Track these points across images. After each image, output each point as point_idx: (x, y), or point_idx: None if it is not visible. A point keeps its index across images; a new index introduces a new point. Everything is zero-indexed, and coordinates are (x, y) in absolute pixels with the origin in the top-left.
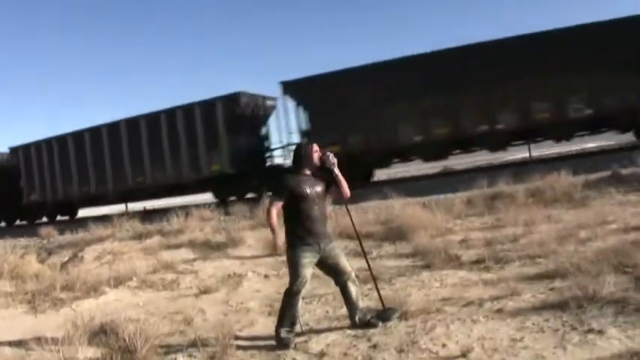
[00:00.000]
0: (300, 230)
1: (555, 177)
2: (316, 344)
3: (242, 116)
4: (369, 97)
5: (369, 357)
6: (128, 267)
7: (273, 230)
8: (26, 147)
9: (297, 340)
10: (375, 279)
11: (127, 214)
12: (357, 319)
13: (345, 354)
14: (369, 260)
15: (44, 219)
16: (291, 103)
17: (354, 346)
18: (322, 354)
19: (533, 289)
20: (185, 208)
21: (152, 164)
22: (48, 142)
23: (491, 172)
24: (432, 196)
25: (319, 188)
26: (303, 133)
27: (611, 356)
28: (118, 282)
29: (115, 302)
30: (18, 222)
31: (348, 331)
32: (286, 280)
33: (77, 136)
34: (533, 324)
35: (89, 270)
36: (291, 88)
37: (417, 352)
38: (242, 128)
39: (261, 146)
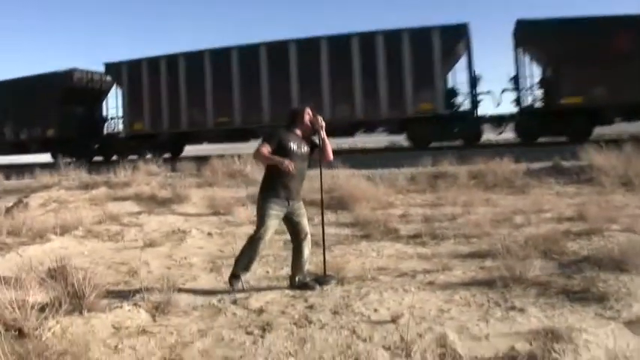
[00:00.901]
0: (276, 183)
1: (498, 162)
2: (256, 301)
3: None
4: None
5: (306, 316)
6: (74, 216)
7: (271, 159)
8: (133, 63)
9: (238, 296)
10: (324, 246)
11: (73, 163)
12: (296, 279)
13: (283, 312)
14: (324, 226)
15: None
16: None
17: (292, 305)
18: (261, 310)
19: (465, 266)
20: (133, 162)
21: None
22: (161, 58)
23: (437, 151)
24: (377, 170)
25: (305, 148)
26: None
27: (528, 331)
28: (63, 230)
29: (61, 250)
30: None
31: (287, 291)
32: (228, 239)
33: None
34: (461, 298)
35: (35, 217)
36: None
37: (350, 314)
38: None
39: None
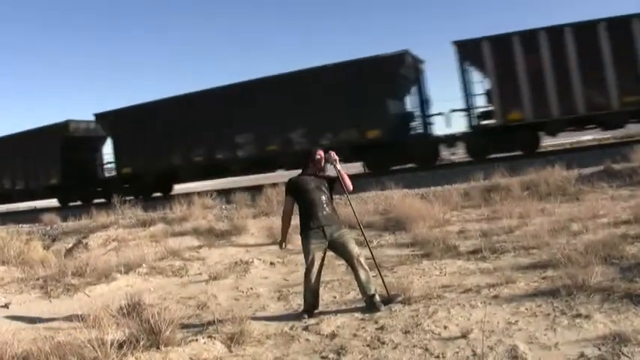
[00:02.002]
0: (305, 217)
1: (549, 171)
2: (327, 326)
3: None
4: None
5: (378, 337)
6: (136, 254)
7: (282, 227)
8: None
9: (309, 322)
10: (377, 266)
11: (127, 202)
12: (364, 300)
13: (355, 335)
14: (370, 248)
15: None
16: None
17: (363, 327)
18: (333, 335)
19: (527, 277)
20: (187, 196)
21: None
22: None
23: (488, 164)
24: (429, 188)
25: (322, 183)
26: None
27: (596, 337)
28: (127, 268)
29: (127, 288)
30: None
31: (356, 315)
32: (291, 267)
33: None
34: (527, 309)
35: (97, 256)
36: None
37: (421, 333)
38: None
39: None
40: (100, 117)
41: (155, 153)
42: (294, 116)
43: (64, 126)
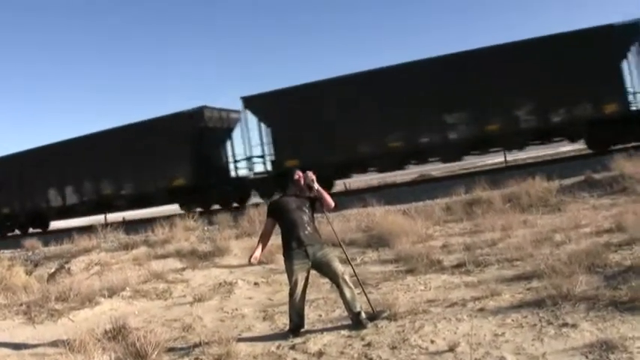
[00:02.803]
0: (288, 239)
1: (530, 182)
2: (314, 345)
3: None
4: None
5: (365, 354)
6: (119, 277)
7: (257, 243)
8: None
9: (296, 341)
10: (361, 283)
11: (110, 225)
12: (350, 318)
13: (342, 352)
14: (353, 266)
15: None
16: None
17: (350, 345)
18: (320, 353)
19: (512, 289)
20: (169, 219)
21: None
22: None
23: (468, 178)
24: (411, 204)
25: (303, 203)
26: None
27: (583, 345)
28: (111, 292)
29: (111, 312)
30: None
31: (342, 332)
32: (275, 287)
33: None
34: (513, 320)
35: (80, 281)
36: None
37: (408, 348)
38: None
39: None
40: (250, 100)
41: (331, 140)
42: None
43: (198, 113)
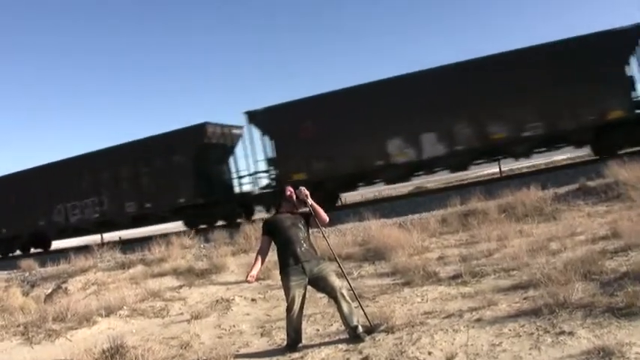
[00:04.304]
0: (285, 256)
1: (525, 192)
2: (311, 359)
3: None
4: None
5: None
6: (116, 296)
7: (254, 261)
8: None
9: (293, 356)
10: (357, 297)
11: (106, 244)
12: (347, 332)
13: None
14: (349, 279)
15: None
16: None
17: (347, 359)
18: None
19: (509, 299)
20: (165, 237)
21: None
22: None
23: (463, 189)
24: (407, 216)
25: (298, 220)
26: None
27: (580, 353)
28: (108, 311)
29: (109, 331)
30: None
31: (340, 346)
32: (272, 302)
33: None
34: (510, 330)
35: (77, 301)
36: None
37: None
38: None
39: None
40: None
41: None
42: None
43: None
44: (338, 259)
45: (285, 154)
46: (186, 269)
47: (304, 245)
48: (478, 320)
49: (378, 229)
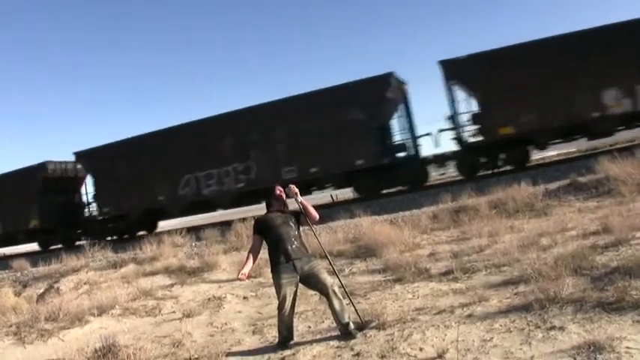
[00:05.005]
0: (276, 254)
1: (516, 188)
2: (303, 356)
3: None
4: None
5: None
6: (108, 295)
7: (246, 259)
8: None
9: (285, 353)
10: (348, 294)
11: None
12: (338, 329)
13: None
14: (340, 277)
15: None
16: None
17: (339, 355)
18: None
19: (500, 294)
20: (156, 236)
21: None
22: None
23: (454, 186)
24: (398, 213)
25: (288, 218)
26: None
27: (571, 347)
28: (100, 311)
29: (101, 330)
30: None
31: (332, 343)
32: (264, 300)
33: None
34: (501, 325)
35: (69, 300)
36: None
37: (397, 356)
38: None
39: None
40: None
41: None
42: None
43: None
44: (328, 257)
45: (489, 106)
46: (178, 267)
47: (295, 243)
48: (469, 316)
49: (369, 226)
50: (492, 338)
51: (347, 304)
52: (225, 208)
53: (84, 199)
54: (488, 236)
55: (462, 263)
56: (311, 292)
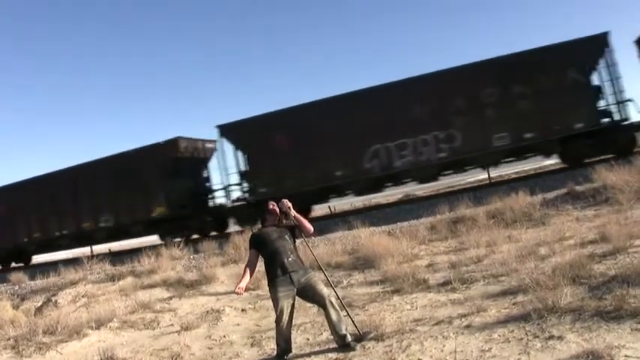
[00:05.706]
0: (272, 267)
1: (514, 198)
2: None
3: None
4: None
5: None
6: (106, 308)
7: (243, 273)
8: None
9: None
10: (344, 305)
11: (96, 257)
12: (335, 341)
13: None
14: (336, 290)
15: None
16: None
17: None
18: None
19: (498, 304)
20: (154, 248)
21: None
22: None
23: (452, 196)
24: (396, 224)
25: (284, 232)
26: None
27: (570, 357)
28: (99, 324)
29: (99, 343)
30: None
31: (330, 355)
32: (262, 312)
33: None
34: (499, 335)
35: (67, 313)
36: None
37: None
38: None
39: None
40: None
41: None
42: None
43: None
44: (323, 269)
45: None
46: (176, 280)
47: (291, 256)
48: (467, 326)
49: (367, 237)
50: (491, 348)
51: (345, 316)
52: (421, 182)
53: (206, 183)
54: (486, 246)
55: (460, 274)
56: (309, 303)
